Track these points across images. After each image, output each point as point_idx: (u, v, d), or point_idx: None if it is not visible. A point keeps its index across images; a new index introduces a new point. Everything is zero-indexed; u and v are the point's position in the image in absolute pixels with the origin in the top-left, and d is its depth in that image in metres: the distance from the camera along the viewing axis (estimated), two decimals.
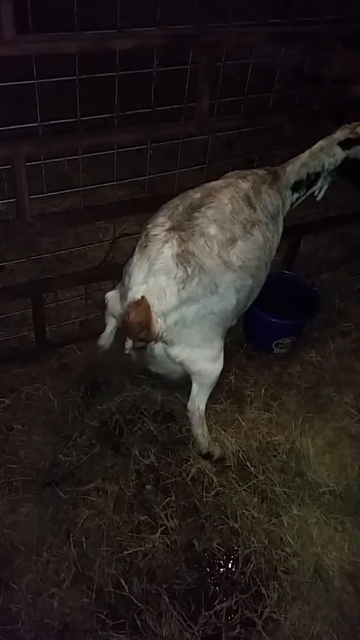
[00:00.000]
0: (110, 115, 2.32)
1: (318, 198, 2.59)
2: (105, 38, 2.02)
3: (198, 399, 2.33)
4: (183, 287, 1.93)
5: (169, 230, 1.99)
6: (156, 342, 2.05)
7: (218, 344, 2.22)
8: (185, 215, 2.04)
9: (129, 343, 2.12)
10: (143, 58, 2.19)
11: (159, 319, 1.94)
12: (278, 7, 2.52)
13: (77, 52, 2.00)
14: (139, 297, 1.92)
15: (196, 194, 2.16)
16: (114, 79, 2.18)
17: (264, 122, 2.80)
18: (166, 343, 2.09)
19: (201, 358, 2.17)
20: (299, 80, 2.78)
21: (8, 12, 1.78)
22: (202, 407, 2.35)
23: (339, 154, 2.45)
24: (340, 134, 2.45)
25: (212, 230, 2.02)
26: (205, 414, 2.38)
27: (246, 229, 2.14)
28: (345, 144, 2.43)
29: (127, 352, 2.21)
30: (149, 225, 2.07)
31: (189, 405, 2.36)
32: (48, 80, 2.08)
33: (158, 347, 2.14)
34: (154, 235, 1.99)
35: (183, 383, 2.38)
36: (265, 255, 2.27)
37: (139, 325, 1.90)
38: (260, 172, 2.38)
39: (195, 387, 2.31)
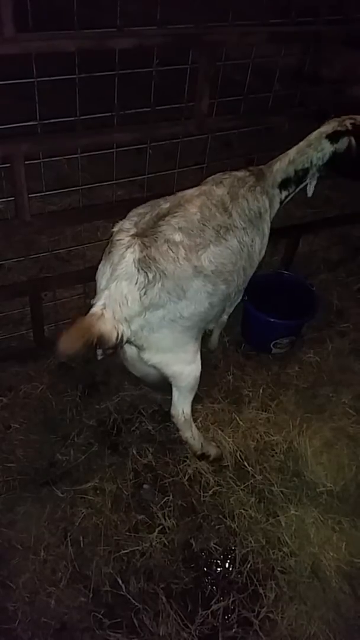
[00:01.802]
0: (109, 114, 2.32)
1: (309, 195, 2.56)
2: (105, 37, 2.02)
3: (180, 404, 2.31)
4: (145, 293, 1.90)
5: (133, 236, 1.97)
6: (121, 347, 2.02)
7: (192, 347, 2.20)
8: (150, 223, 2.02)
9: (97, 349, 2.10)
10: (143, 57, 2.19)
11: (121, 325, 1.90)
12: (278, 7, 2.51)
13: (77, 50, 2.00)
14: (98, 309, 1.88)
15: (166, 204, 2.12)
16: (114, 78, 2.18)
17: (264, 122, 2.80)
18: (137, 347, 2.08)
19: (175, 361, 2.16)
20: (298, 81, 2.79)
21: (8, 10, 1.78)
22: (187, 410, 2.34)
23: (327, 148, 2.39)
24: (327, 127, 2.39)
25: (177, 236, 1.99)
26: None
27: (219, 235, 2.11)
28: (333, 137, 2.37)
29: (99, 357, 2.18)
30: (115, 230, 2.06)
31: (172, 411, 2.35)
32: (48, 78, 2.08)
33: (130, 351, 2.13)
34: (118, 240, 1.98)
35: (166, 386, 2.37)
36: (242, 260, 2.24)
37: (71, 341, 1.79)
38: (240, 175, 2.34)
39: (175, 392, 2.30)
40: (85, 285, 2.97)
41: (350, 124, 2.34)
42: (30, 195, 2.31)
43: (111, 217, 2.87)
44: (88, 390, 2.82)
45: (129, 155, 2.54)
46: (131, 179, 2.77)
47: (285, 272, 3.34)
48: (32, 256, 3.01)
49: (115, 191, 2.65)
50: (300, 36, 2.56)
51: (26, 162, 2.19)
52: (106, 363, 2.92)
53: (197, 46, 2.24)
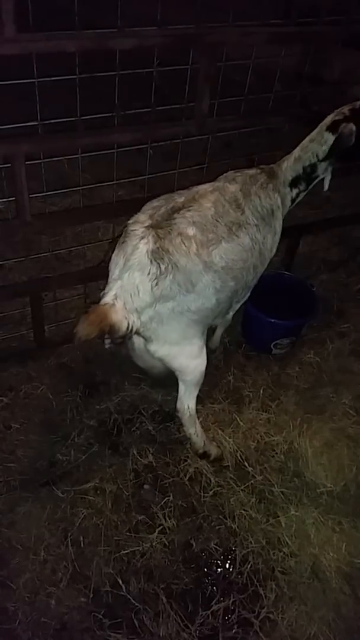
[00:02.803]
0: (110, 114, 2.32)
1: (325, 189, 2.54)
2: (106, 37, 2.02)
3: (186, 398, 2.33)
4: (156, 284, 1.92)
5: (147, 227, 1.99)
6: (129, 338, 2.04)
7: (198, 341, 2.21)
8: (165, 216, 2.04)
9: (106, 339, 2.12)
10: (143, 58, 2.19)
11: (131, 316, 1.93)
12: (278, 7, 2.51)
13: (78, 51, 2.00)
14: (109, 299, 1.91)
15: (180, 198, 2.14)
16: (114, 78, 2.18)
17: (264, 123, 2.80)
18: (145, 339, 2.09)
19: (181, 355, 2.17)
20: (298, 81, 2.79)
21: (9, 10, 1.78)
22: (192, 405, 2.35)
23: (330, 139, 2.36)
24: (327, 119, 2.37)
25: (191, 230, 2.01)
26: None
27: (231, 231, 2.13)
28: (333, 128, 2.34)
29: (106, 346, 2.20)
30: (130, 222, 2.08)
31: (178, 405, 2.36)
32: (48, 79, 2.08)
33: (138, 342, 2.14)
34: (132, 230, 2.00)
35: (170, 380, 2.37)
36: (252, 258, 2.25)
37: (90, 327, 1.84)
38: (251, 173, 2.35)
39: (181, 386, 2.31)
40: (86, 285, 2.97)
41: (349, 110, 2.32)
42: (30, 196, 2.31)
43: (111, 218, 2.89)
44: (88, 390, 2.82)
45: (130, 155, 2.54)
46: (132, 179, 2.77)
47: (286, 272, 3.34)
48: (32, 256, 3.01)
49: (116, 191, 2.65)
50: (300, 37, 2.56)
51: (27, 162, 2.19)
52: (106, 363, 2.93)
53: (197, 46, 2.24)
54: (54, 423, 2.67)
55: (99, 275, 2.89)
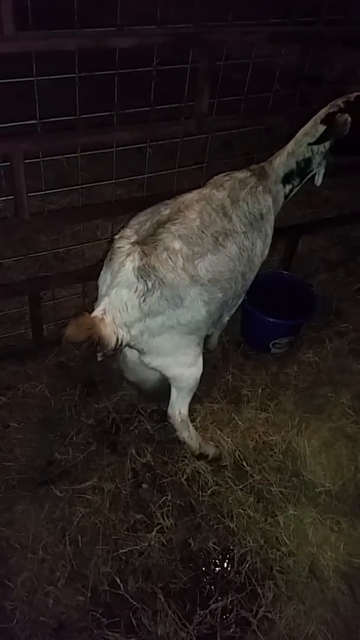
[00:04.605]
0: (109, 113, 2.32)
1: (318, 184, 2.52)
2: (105, 36, 2.02)
3: (178, 404, 2.32)
4: (144, 300, 1.91)
5: (133, 243, 1.97)
6: (120, 351, 2.02)
7: (193, 351, 2.19)
8: (150, 231, 2.02)
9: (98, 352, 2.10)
10: (143, 56, 2.19)
11: (120, 330, 1.91)
12: (279, 7, 2.51)
13: (77, 49, 1.99)
14: (98, 314, 1.90)
15: (166, 210, 2.12)
16: (114, 77, 2.17)
17: (264, 122, 2.80)
18: (138, 351, 2.09)
19: (175, 364, 2.16)
20: (298, 81, 2.78)
21: (8, 8, 1.78)
22: (184, 411, 2.34)
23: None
24: (320, 112, 2.35)
25: (177, 244, 1.99)
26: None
27: (217, 242, 2.11)
28: (327, 120, 2.31)
29: (99, 359, 2.19)
30: (117, 237, 2.07)
31: (169, 411, 2.35)
32: (47, 77, 2.07)
33: (131, 354, 2.14)
34: (119, 247, 1.99)
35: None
36: (240, 266, 2.23)
37: (77, 330, 1.83)
38: (241, 176, 2.32)
39: (174, 392, 2.30)
40: (84, 284, 2.97)
41: (343, 102, 2.30)
42: (29, 194, 2.31)
43: (110, 217, 2.89)
44: (87, 389, 2.82)
45: (129, 154, 2.53)
46: (131, 178, 2.76)
47: (285, 272, 3.34)
48: (31, 255, 3.01)
49: (115, 190, 2.65)
50: (300, 36, 2.56)
51: (26, 161, 2.19)
52: (105, 362, 2.92)
53: (197, 46, 2.24)
54: (52, 422, 2.66)
55: (98, 274, 2.88)
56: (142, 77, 2.29)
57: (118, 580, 2.13)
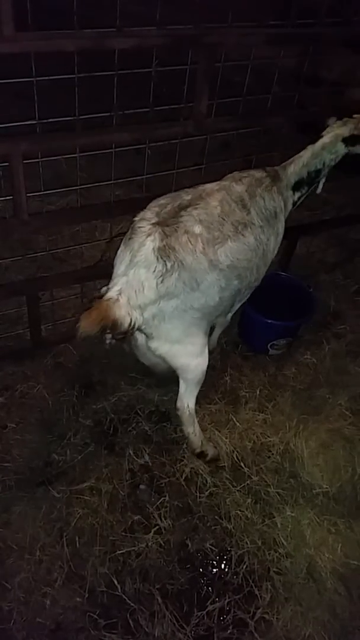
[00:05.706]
0: (108, 114, 2.32)
1: (318, 191, 2.57)
2: (105, 37, 2.01)
3: (186, 397, 2.34)
4: (162, 281, 1.93)
5: (154, 224, 1.99)
6: (130, 334, 2.03)
7: (200, 340, 2.21)
8: (172, 213, 2.05)
9: (107, 335, 2.12)
10: (142, 57, 2.19)
11: (134, 312, 1.93)
12: (277, 8, 2.51)
13: (76, 50, 1.99)
14: (114, 294, 1.91)
15: (187, 196, 2.15)
16: (113, 78, 2.17)
17: (262, 124, 2.80)
18: (146, 335, 2.09)
19: (182, 353, 2.17)
20: (297, 82, 2.79)
21: (8, 9, 1.77)
22: (192, 404, 2.36)
23: (341, 150, 2.42)
24: (344, 130, 2.41)
25: (197, 229, 2.01)
26: (197, 413, 2.38)
27: (237, 230, 2.14)
28: (349, 141, 2.40)
29: (107, 342, 2.19)
30: (137, 218, 2.08)
31: (178, 403, 2.37)
32: (47, 78, 2.07)
33: (141, 339, 2.14)
34: (139, 227, 2.00)
35: (174, 378, 2.37)
36: (256, 258, 2.26)
37: (91, 324, 1.85)
38: (257, 175, 2.36)
39: (182, 385, 2.32)
40: (83, 285, 2.97)
41: None
42: (28, 195, 2.31)
43: (109, 217, 2.89)
44: (85, 390, 2.82)
45: (128, 155, 2.53)
46: (130, 179, 2.76)
47: (283, 273, 3.34)
48: (29, 255, 3.01)
49: (114, 191, 2.65)
50: (299, 38, 2.57)
51: (24, 161, 2.19)
52: (103, 363, 2.92)
53: (196, 47, 2.24)
54: (50, 423, 2.66)
55: (96, 274, 2.89)
56: (141, 78, 2.29)
57: (115, 582, 2.13)
